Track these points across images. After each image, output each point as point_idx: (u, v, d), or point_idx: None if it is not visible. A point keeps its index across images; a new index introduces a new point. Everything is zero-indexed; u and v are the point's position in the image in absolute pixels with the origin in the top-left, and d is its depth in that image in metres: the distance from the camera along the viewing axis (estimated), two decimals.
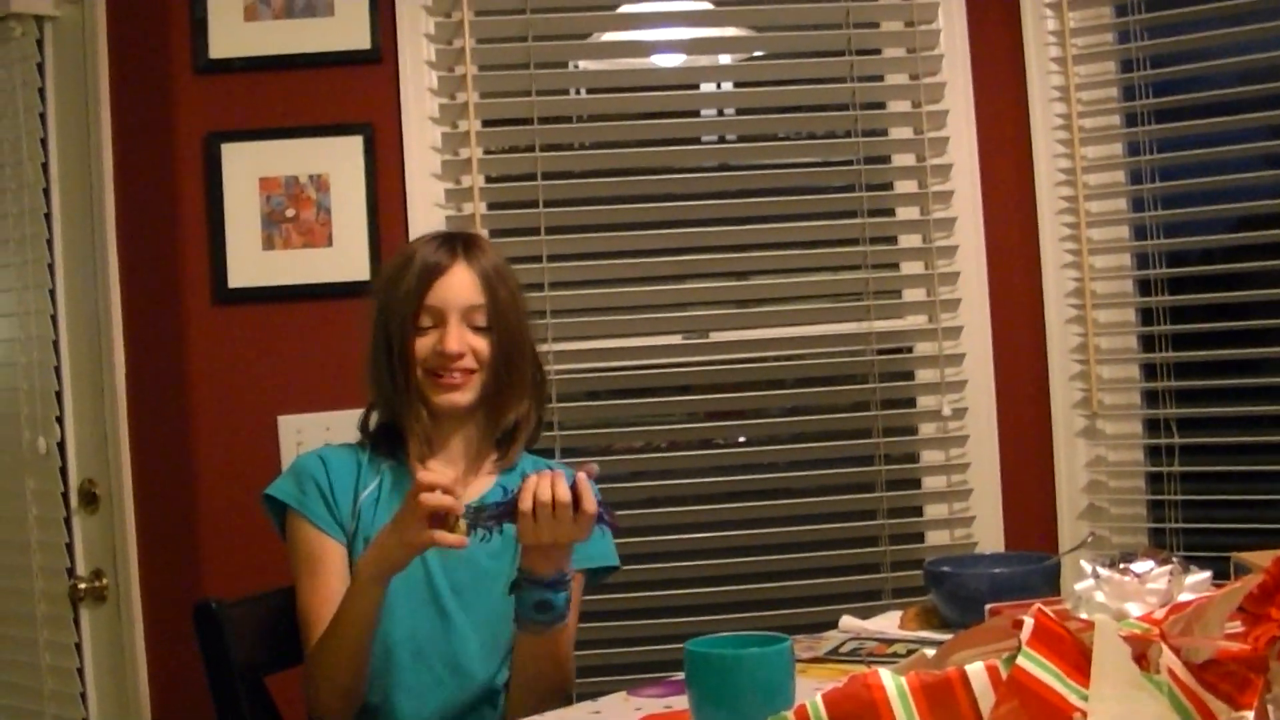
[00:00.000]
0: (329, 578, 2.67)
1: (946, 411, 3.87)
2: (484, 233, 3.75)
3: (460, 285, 2.76)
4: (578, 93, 4.06)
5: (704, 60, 4.06)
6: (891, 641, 2.74)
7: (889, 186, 4.02)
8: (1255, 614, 1.57)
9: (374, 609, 2.54)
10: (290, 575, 2.74)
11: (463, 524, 2.42)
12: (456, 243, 2.82)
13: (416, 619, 2.67)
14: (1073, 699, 1.47)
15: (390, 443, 2.84)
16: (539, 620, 2.58)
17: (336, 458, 2.81)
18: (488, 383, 2.78)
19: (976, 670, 1.49)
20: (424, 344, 2.75)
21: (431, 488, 2.39)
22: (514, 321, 2.82)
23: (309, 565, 2.70)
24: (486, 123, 3.87)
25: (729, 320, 3.94)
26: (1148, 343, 3.87)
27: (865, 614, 3.02)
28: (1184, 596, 1.83)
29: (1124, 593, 1.91)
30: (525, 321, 2.88)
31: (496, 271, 2.81)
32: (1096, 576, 1.94)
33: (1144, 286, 3.87)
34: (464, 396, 2.75)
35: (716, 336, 3.91)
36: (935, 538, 3.94)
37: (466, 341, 2.74)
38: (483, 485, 2.84)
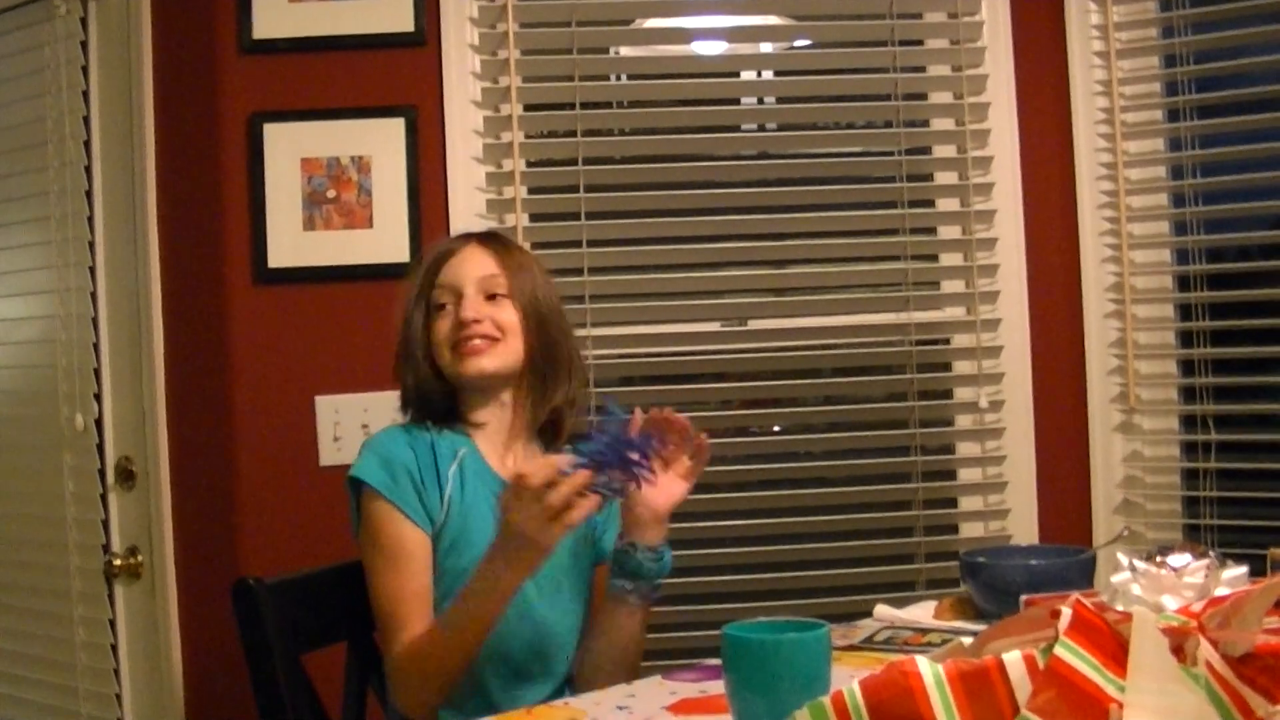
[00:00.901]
0: (417, 572, 2.65)
1: (983, 404, 3.87)
2: (524, 216, 3.76)
3: (473, 261, 2.80)
4: (619, 78, 4.06)
5: (745, 48, 4.06)
6: (926, 631, 2.75)
7: (929, 178, 4.01)
8: None
9: (500, 615, 2.54)
10: (360, 556, 2.73)
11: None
12: (473, 234, 2.88)
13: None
14: (1110, 690, 1.47)
15: (455, 425, 2.83)
16: (639, 590, 2.69)
17: (418, 443, 2.77)
18: (523, 358, 2.78)
19: (1014, 660, 1.49)
20: (444, 324, 2.77)
21: (546, 482, 2.35)
22: (543, 298, 2.83)
23: (394, 557, 2.66)
24: (528, 107, 3.86)
25: (767, 309, 3.94)
26: (1186, 339, 3.86)
27: (899, 604, 3.02)
28: (1221, 591, 1.83)
29: (1160, 586, 1.91)
30: (559, 305, 2.88)
31: (517, 252, 2.86)
32: (1133, 569, 1.94)
33: (1183, 282, 3.86)
34: (490, 362, 2.75)
35: (754, 324, 3.91)
36: (970, 530, 3.93)
37: (484, 310, 2.75)
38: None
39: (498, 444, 2.83)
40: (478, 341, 2.73)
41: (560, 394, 2.83)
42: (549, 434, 2.87)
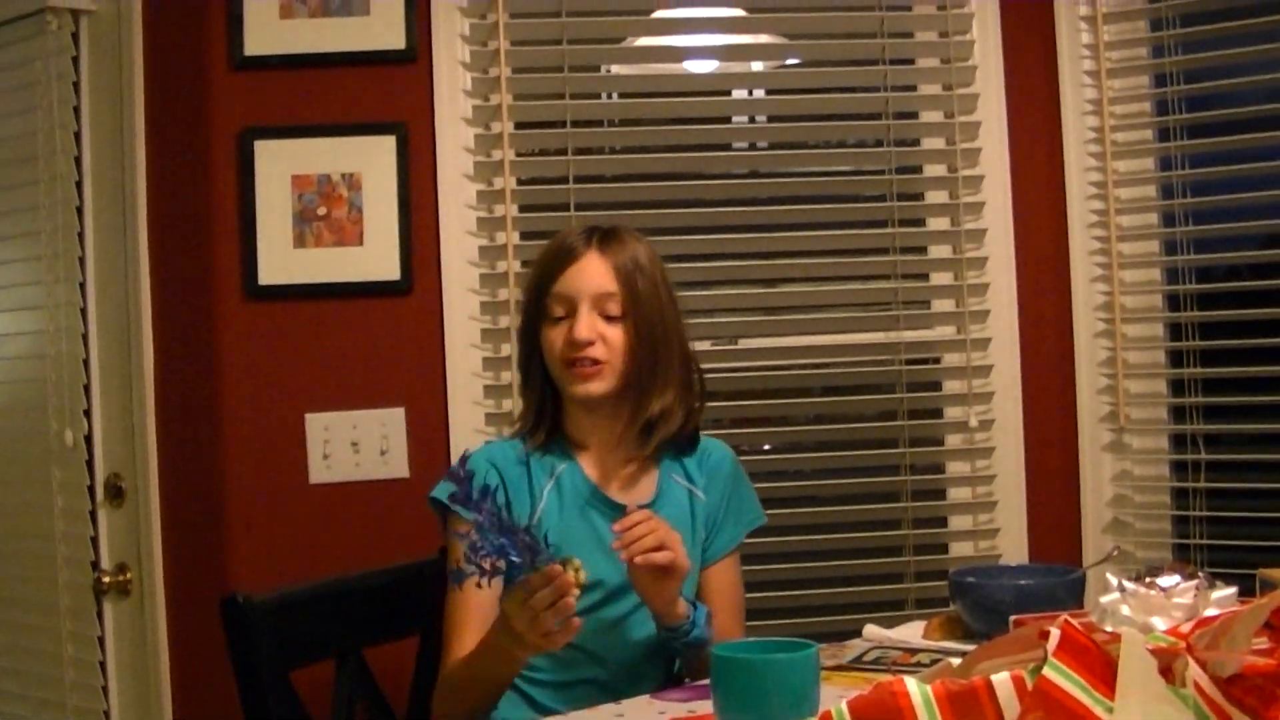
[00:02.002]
0: (482, 593, 2.59)
1: (973, 423, 3.87)
2: (515, 234, 3.76)
3: (592, 272, 2.75)
4: (610, 97, 4.06)
5: (737, 67, 4.07)
6: (915, 651, 2.74)
7: (920, 197, 4.01)
8: None
9: (513, 676, 2.59)
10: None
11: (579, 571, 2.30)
12: (594, 233, 2.81)
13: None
14: (1098, 711, 1.47)
15: (555, 438, 2.85)
16: (684, 656, 2.74)
17: (506, 464, 2.79)
18: (627, 374, 2.77)
19: (1002, 680, 1.49)
20: (557, 334, 2.75)
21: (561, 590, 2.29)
22: (655, 313, 2.79)
23: (466, 604, 2.68)
24: (519, 125, 3.87)
25: (757, 327, 3.94)
26: (1176, 358, 3.86)
27: (889, 623, 3.02)
28: (1210, 611, 1.83)
29: (1149, 606, 1.91)
30: (672, 315, 2.85)
31: (635, 262, 2.79)
32: (1122, 590, 1.94)
33: (1173, 301, 3.87)
34: (597, 387, 2.74)
35: (745, 343, 3.92)
36: (959, 549, 3.93)
37: (597, 329, 2.73)
38: (648, 487, 2.86)
39: (602, 457, 2.84)
40: (588, 367, 2.72)
41: (657, 405, 2.79)
42: (644, 442, 2.84)
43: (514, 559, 2.24)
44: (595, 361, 2.72)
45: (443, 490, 2.69)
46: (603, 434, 2.84)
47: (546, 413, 2.84)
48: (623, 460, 2.84)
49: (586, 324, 2.71)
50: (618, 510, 2.71)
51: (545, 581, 2.27)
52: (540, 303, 2.78)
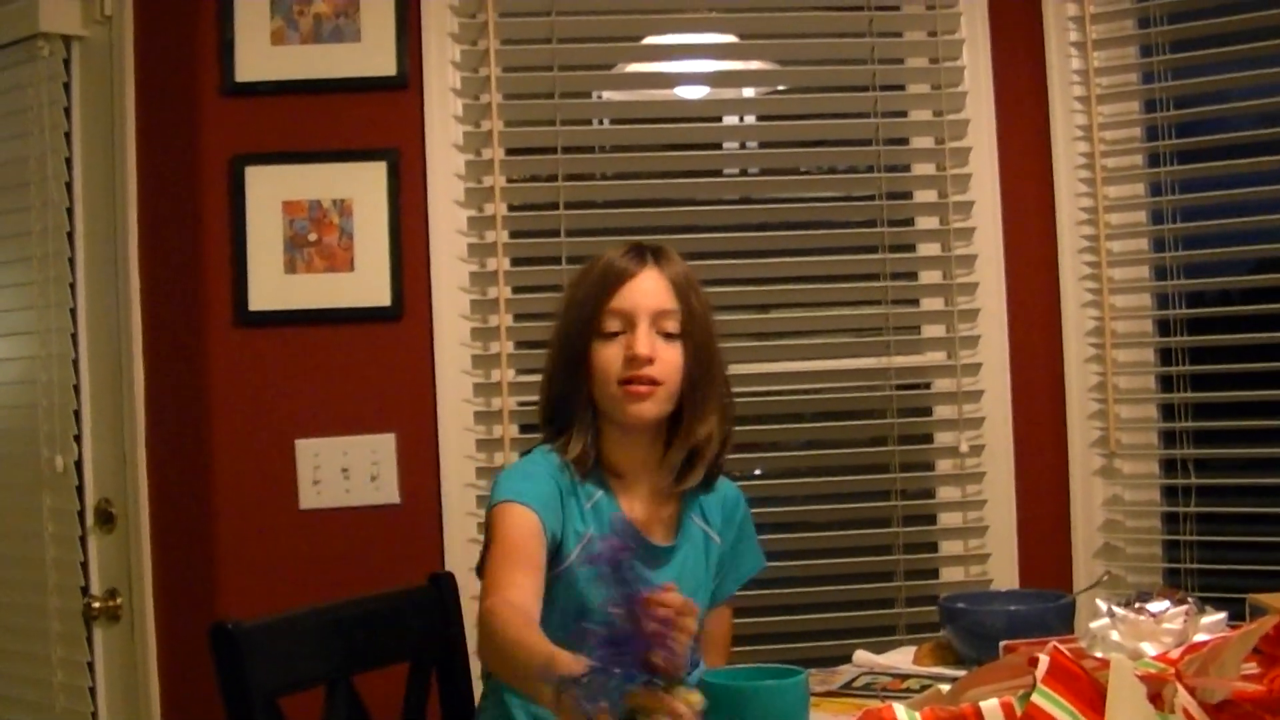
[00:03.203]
0: (526, 539, 2.51)
1: (964, 448, 3.87)
2: (505, 260, 3.76)
3: (653, 288, 2.67)
4: (601, 123, 4.07)
5: (728, 93, 4.07)
6: (905, 677, 2.74)
7: (910, 222, 4.02)
8: (1271, 655, 1.57)
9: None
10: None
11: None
12: (646, 250, 2.73)
13: None
14: None
15: (590, 466, 2.70)
16: None
17: (559, 472, 2.66)
18: (678, 396, 2.68)
19: (991, 707, 1.49)
20: (611, 352, 2.65)
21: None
22: (706, 335, 2.72)
23: (505, 534, 2.52)
24: (510, 151, 3.87)
25: (748, 353, 3.93)
26: (1166, 383, 3.87)
27: (879, 649, 3.01)
28: (1200, 637, 1.83)
29: (1139, 632, 1.91)
30: (717, 338, 2.78)
31: (688, 280, 2.72)
32: (1112, 615, 1.94)
33: (1164, 327, 3.87)
34: (651, 409, 2.65)
35: (736, 369, 3.90)
36: (950, 574, 3.93)
37: (656, 348, 2.64)
38: (670, 512, 2.78)
39: (640, 492, 2.75)
40: (645, 386, 2.62)
41: (703, 430, 2.71)
42: (687, 467, 2.75)
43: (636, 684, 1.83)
44: (653, 381, 2.63)
45: (509, 490, 2.58)
46: (641, 462, 2.75)
47: (594, 438, 2.70)
48: (658, 495, 2.76)
49: (648, 340, 2.62)
50: (659, 556, 2.67)
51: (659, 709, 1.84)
52: (594, 319, 2.66)
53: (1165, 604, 1.97)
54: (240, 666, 2.55)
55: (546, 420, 2.78)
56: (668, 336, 2.66)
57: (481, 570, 2.60)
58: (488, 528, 2.59)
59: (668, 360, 2.65)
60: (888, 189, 3.96)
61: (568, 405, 2.70)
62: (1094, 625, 1.94)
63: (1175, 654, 1.66)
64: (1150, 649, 1.84)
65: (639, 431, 2.72)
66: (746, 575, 2.95)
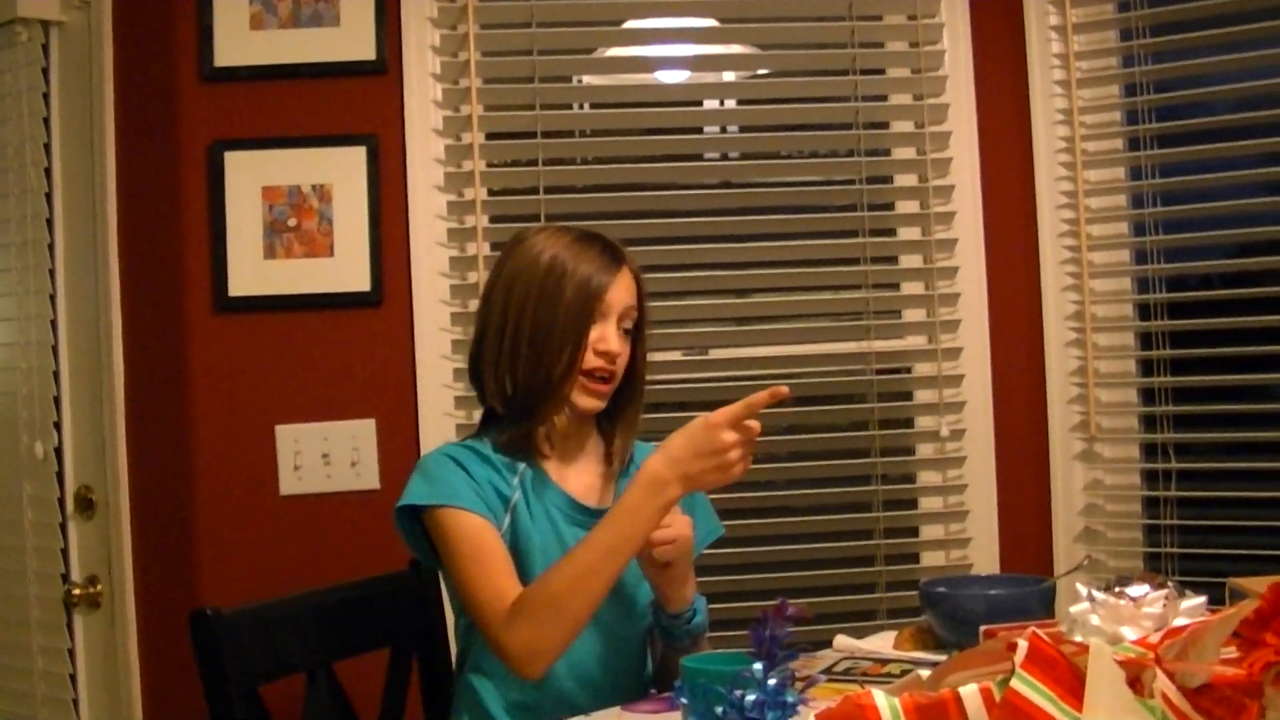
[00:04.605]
0: (498, 557, 2.55)
1: (944, 432, 3.88)
2: (485, 245, 3.76)
3: (626, 286, 2.71)
4: (581, 108, 4.06)
5: (708, 77, 4.07)
6: (886, 661, 2.74)
7: (891, 206, 4.02)
8: (1251, 639, 1.57)
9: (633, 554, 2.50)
10: (451, 575, 2.64)
11: None
12: (614, 250, 2.73)
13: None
14: None
15: (520, 443, 2.71)
16: (678, 646, 2.66)
17: (468, 459, 2.66)
18: (621, 389, 2.74)
19: (970, 693, 1.49)
20: (594, 340, 2.66)
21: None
22: (645, 329, 2.78)
23: (473, 550, 2.56)
24: (490, 136, 3.87)
25: (729, 338, 3.94)
26: (1147, 367, 3.87)
27: (860, 634, 3.01)
28: (1179, 621, 1.83)
29: (1119, 616, 1.91)
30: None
31: (640, 276, 2.77)
32: (1092, 600, 1.94)
33: (1144, 311, 3.87)
34: (603, 401, 2.70)
35: (716, 354, 3.92)
36: (931, 559, 3.94)
37: (621, 345, 2.68)
38: (610, 495, 2.78)
39: (572, 466, 2.78)
40: (604, 382, 2.68)
41: (635, 417, 2.81)
42: (620, 452, 2.81)
43: None
44: (612, 376, 2.68)
45: (422, 494, 2.62)
46: (576, 443, 2.79)
47: (531, 403, 2.68)
48: (592, 470, 2.80)
49: (619, 338, 2.67)
50: (596, 518, 2.67)
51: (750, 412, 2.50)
52: (594, 303, 2.65)
53: (1145, 588, 1.96)
54: (220, 653, 2.54)
55: (506, 410, 2.73)
56: (625, 332, 2.70)
57: (449, 579, 2.68)
58: (437, 531, 2.62)
59: (624, 355, 2.70)
60: (868, 173, 3.96)
61: (533, 396, 2.67)
62: (1074, 610, 1.93)
63: (1155, 638, 1.65)
64: (1130, 633, 1.84)
65: (584, 419, 2.78)
66: (702, 544, 2.89)
